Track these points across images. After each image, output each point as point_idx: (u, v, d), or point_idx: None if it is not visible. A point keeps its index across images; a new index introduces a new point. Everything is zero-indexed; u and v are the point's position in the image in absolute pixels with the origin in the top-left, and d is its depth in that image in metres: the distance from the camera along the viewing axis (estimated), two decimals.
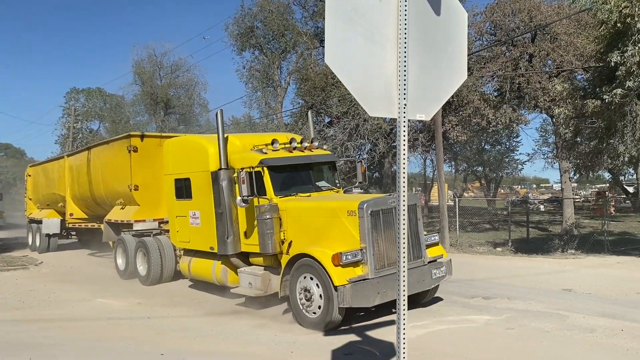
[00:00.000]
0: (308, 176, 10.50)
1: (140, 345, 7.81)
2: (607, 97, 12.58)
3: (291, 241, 9.06)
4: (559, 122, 17.18)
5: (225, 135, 10.37)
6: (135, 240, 13.20)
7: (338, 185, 10.83)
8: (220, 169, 9.89)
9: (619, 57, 12.04)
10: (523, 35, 23.16)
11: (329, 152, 11.24)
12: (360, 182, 11.25)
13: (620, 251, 16.18)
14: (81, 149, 18.64)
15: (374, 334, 7.91)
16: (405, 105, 3.29)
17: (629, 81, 12.06)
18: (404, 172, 3.22)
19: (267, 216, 9.11)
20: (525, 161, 47.88)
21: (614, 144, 14.00)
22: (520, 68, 23.27)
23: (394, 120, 3.39)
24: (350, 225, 8.24)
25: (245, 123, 35.57)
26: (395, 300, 3.39)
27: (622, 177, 35.08)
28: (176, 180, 11.44)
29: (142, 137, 13.95)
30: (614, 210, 31.17)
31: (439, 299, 9.70)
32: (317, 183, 10.48)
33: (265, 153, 9.80)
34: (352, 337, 7.74)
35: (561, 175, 24.62)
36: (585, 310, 8.66)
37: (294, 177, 10.25)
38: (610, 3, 11.98)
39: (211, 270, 10.66)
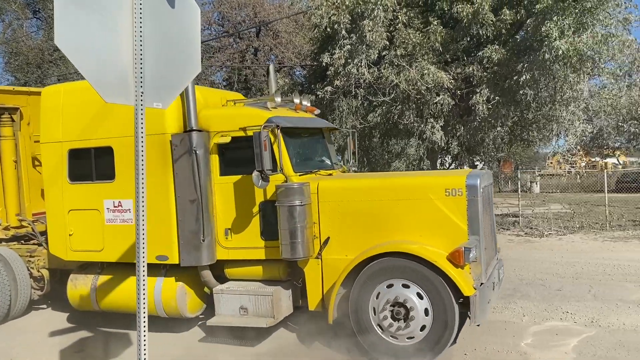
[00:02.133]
0: (323, 147, 7.64)
1: None
2: (320, 93, 14.26)
3: (328, 238, 6.20)
4: None
5: None
6: None
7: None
8: (190, 130, 6.38)
9: (328, 59, 13.72)
10: (249, 29, 24.53)
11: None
12: (351, 161, 8.48)
13: None
14: None
15: None
16: (143, 93, 3.34)
17: (337, 80, 13.88)
18: (142, 161, 3.28)
19: (298, 201, 5.96)
20: None
21: None
22: (247, 60, 24.63)
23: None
24: (450, 210, 5.84)
25: None
26: None
27: None
28: (74, 151, 7.12)
29: None
30: None
31: None
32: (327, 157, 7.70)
33: (270, 109, 6.67)
34: None
35: None
36: None
37: (309, 147, 7.40)
38: (321, 9, 13.54)
39: (152, 294, 6.76)
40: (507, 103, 13.18)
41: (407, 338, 5.62)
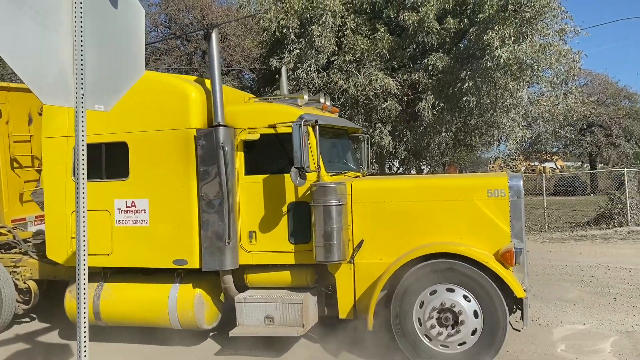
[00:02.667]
0: (349, 149, 7.42)
1: None
2: (269, 97, 14.23)
3: (362, 241, 5.93)
4: None
5: (194, 79, 6.62)
6: None
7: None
8: (217, 125, 6.02)
9: (278, 63, 13.70)
10: (196, 32, 24.21)
11: None
12: (366, 166, 7.96)
13: None
14: None
15: None
16: (83, 95, 3.24)
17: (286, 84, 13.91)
18: (83, 164, 3.18)
19: (335, 201, 5.67)
20: None
21: None
22: (195, 63, 24.28)
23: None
24: (492, 211, 5.70)
25: None
26: None
27: None
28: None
29: None
30: None
31: None
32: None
33: (300, 107, 6.41)
34: None
35: None
36: None
37: (337, 148, 7.05)
38: (270, 13, 13.52)
39: (166, 304, 6.21)
40: (451, 109, 13.52)
41: (459, 345, 5.38)
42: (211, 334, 6.90)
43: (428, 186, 6.19)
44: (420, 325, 5.49)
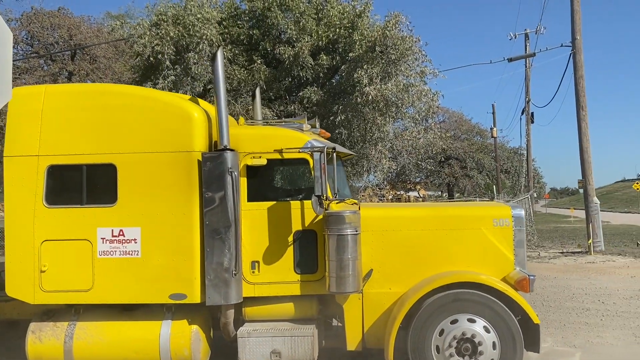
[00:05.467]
0: (344, 175, 7.17)
1: None
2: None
3: (371, 270, 5.72)
4: None
5: (189, 98, 6.14)
6: None
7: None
8: (224, 149, 5.55)
9: (151, 88, 13.44)
10: (63, 52, 22.87)
11: None
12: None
13: None
14: None
15: None
16: None
17: None
18: None
19: (350, 230, 5.47)
20: None
21: None
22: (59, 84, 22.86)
23: None
24: (498, 239, 5.83)
25: None
26: None
27: None
28: (56, 168, 5.77)
29: None
30: None
31: None
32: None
33: (305, 132, 6.08)
34: None
35: None
36: None
37: (337, 174, 6.58)
38: (145, 38, 13.26)
39: (157, 342, 5.57)
40: None
41: None
42: None
43: (438, 215, 6.23)
44: (439, 352, 5.40)
